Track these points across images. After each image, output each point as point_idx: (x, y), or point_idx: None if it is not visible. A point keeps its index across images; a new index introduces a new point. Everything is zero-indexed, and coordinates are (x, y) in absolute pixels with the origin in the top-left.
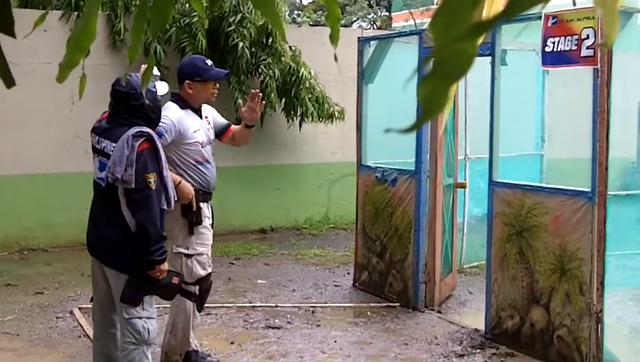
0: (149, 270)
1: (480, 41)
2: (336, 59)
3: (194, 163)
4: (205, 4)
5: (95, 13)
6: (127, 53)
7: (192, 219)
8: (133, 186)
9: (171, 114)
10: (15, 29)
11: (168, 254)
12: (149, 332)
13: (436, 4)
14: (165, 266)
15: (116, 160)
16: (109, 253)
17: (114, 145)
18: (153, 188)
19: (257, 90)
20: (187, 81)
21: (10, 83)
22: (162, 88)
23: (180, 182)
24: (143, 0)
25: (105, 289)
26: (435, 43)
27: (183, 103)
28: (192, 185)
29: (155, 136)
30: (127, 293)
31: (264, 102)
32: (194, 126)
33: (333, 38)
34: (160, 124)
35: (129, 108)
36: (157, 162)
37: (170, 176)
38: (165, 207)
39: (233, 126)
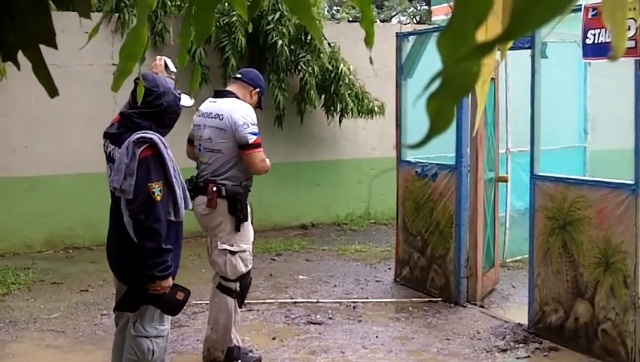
0: (150, 282)
1: (484, 60)
2: (371, 62)
3: None
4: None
5: (145, 21)
6: (177, 60)
7: (240, 216)
8: (131, 197)
9: (254, 115)
10: (56, 29)
11: (214, 250)
12: (153, 354)
13: None
14: (169, 282)
15: (115, 168)
16: (115, 267)
17: (119, 150)
18: (158, 198)
19: None
20: (259, 91)
21: (53, 93)
22: (186, 101)
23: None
24: (188, 8)
25: None
26: (442, 62)
27: None
28: (245, 179)
29: (160, 142)
30: (122, 301)
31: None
32: None
33: (368, 42)
34: (250, 123)
35: (145, 107)
36: (162, 170)
37: (180, 183)
38: (173, 218)
39: None
